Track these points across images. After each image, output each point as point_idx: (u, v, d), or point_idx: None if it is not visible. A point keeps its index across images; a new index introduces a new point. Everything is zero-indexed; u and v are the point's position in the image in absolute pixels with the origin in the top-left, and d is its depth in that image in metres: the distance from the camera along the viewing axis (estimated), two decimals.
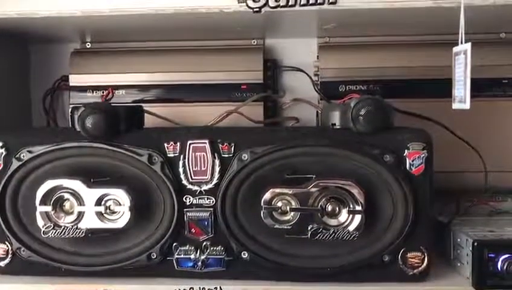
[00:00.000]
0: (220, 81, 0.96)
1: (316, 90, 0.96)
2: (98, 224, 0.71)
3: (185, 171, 0.72)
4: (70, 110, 0.77)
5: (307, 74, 0.98)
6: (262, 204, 0.70)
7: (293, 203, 0.70)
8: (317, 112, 0.97)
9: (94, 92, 0.97)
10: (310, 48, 0.99)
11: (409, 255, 0.71)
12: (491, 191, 0.92)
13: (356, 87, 0.94)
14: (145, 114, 0.84)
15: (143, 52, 0.99)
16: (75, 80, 0.98)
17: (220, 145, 0.72)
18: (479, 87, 0.91)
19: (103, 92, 0.97)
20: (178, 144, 0.72)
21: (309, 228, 0.69)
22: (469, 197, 0.93)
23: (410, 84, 0.94)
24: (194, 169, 0.72)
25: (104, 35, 0.98)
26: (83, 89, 0.97)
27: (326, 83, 0.94)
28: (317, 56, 0.97)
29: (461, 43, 0.68)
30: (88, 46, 1.02)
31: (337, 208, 0.70)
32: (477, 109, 0.86)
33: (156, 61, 0.98)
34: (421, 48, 0.94)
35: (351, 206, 0.69)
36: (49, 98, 1.03)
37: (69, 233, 0.71)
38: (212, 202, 0.72)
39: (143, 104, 0.88)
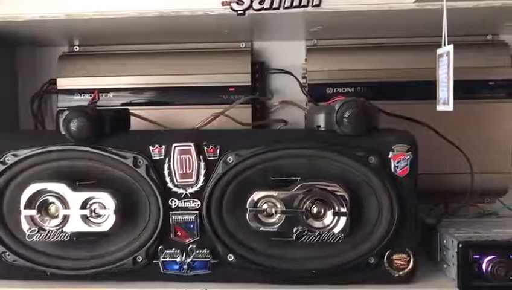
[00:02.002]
0: (208, 83, 0.96)
1: (303, 92, 0.96)
2: (83, 227, 0.71)
3: (170, 174, 0.72)
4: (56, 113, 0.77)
5: (294, 76, 0.98)
6: (247, 207, 0.70)
7: (279, 205, 0.70)
8: (305, 114, 0.97)
9: (82, 95, 0.97)
10: (298, 50, 0.99)
11: (394, 257, 0.71)
12: (479, 192, 0.92)
13: (344, 90, 0.94)
14: (132, 117, 0.84)
15: (131, 55, 0.99)
16: (62, 83, 0.97)
17: (205, 148, 0.72)
18: (465, 89, 0.91)
19: (91, 95, 0.96)
20: (163, 146, 0.72)
21: (294, 230, 0.69)
22: (457, 198, 0.93)
23: (398, 86, 0.94)
24: (179, 172, 0.72)
25: (92, 39, 0.98)
26: (70, 92, 0.97)
27: (314, 85, 0.95)
28: (305, 59, 0.97)
29: (444, 45, 0.69)
30: (76, 50, 1.01)
31: (322, 210, 0.70)
32: (464, 111, 0.88)
33: (144, 64, 0.98)
34: (408, 50, 0.95)
35: (336, 208, 0.69)
36: (37, 102, 1.02)
37: (54, 237, 0.71)
38: (198, 204, 0.72)
39: (131, 107, 0.88)
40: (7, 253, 0.74)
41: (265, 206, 0.70)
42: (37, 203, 0.71)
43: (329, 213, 0.70)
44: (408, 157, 0.70)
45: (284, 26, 0.87)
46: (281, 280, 0.72)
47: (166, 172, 0.72)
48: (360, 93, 0.93)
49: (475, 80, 0.92)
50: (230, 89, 0.95)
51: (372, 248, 0.71)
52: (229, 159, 0.71)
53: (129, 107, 0.87)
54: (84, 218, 0.71)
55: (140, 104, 0.96)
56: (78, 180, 0.72)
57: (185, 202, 0.72)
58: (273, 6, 0.72)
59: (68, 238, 0.71)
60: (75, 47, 1.01)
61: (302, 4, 0.72)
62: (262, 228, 0.70)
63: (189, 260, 0.73)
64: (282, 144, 0.71)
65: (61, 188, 0.71)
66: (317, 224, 0.70)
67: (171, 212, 0.72)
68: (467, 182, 0.86)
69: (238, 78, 0.95)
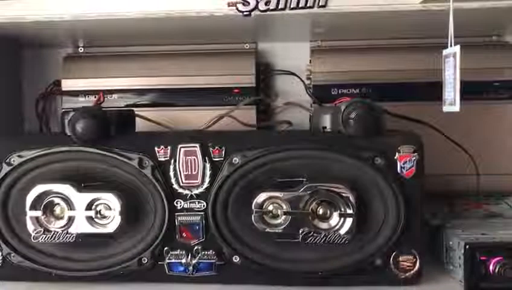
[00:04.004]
0: (212, 85, 0.96)
1: (308, 93, 0.96)
2: (88, 229, 0.71)
3: (175, 175, 0.72)
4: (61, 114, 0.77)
5: (299, 77, 0.98)
6: (253, 208, 0.70)
7: (284, 206, 0.70)
8: (310, 115, 0.96)
9: (87, 96, 0.97)
10: (303, 51, 0.99)
11: (400, 258, 0.71)
12: (485, 193, 0.92)
13: (348, 91, 0.94)
14: (137, 118, 0.84)
15: (135, 57, 0.99)
16: (67, 84, 0.98)
17: (211, 149, 0.71)
18: (470, 90, 0.91)
19: (95, 97, 0.96)
20: (169, 148, 0.72)
21: (300, 232, 0.69)
22: (463, 200, 0.93)
23: (403, 87, 0.94)
24: (184, 173, 0.72)
25: (97, 40, 0.98)
26: (75, 93, 0.97)
27: (318, 86, 0.95)
28: (310, 60, 0.97)
29: (450, 45, 0.68)
30: (81, 51, 1.02)
31: (328, 212, 0.70)
32: (469, 112, 0.88)
33: (149, 65, 0.98)
34: (413, 51, 0.95)
35: (342, 209, 0.69)
36: (42, 103, 1.02)
37: (59, 238, 0.71)
38: (203, 206, 0.72)
39: (136, 108, 0.88)
40: (12, 254, 0.73)
41: (270, 208, 0.70)
42: (43, 205, 0.71)
43: (335, 214, 0.69)
44: (414, 158, 0.70)
45: (289, 27, 0.87)
46: (286, 281, 0.72)
47: (171, 173, 0.72)
48: (365, 94, 0.93)
49: (480, 81, 0.92)
50: (234, 90, 0.95)
51: (378, 249, 0.71)
52: (235, 160, 0.71)
53: (134, 108, 0.87)
54: (90, 219, 0.71)
55: (145, 105, 0.96)
56: (83, 181, 0.72)
57: (190, 203, 0.72)
58: (279, 7, 0.72)
59: (73, 239, 0.71)
60: (80, 48, 1.02)
61: (308, 5, 0.72)
62: (267, 229, 0.70)
63: (194, 261, 0.72)
64: (288, 145, 0.71)
65: (66, 189, 0.71)
66: (323, 225, 0.70)
67: (176, 214, 0.72)
68: (473, 183, 0.86)
69: (242, 79, 0.95)
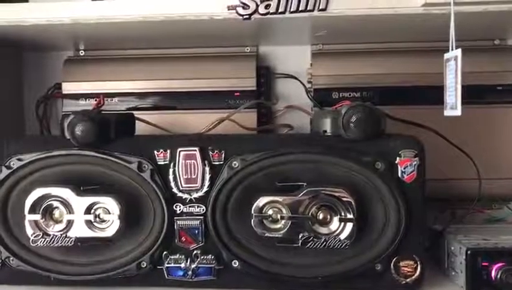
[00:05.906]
0: (213, 88, 0.95)
1: (309, 97, 0.95)
2: (87, 233, 0.71)
3: (175, 179, 0.71)
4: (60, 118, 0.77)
5: (300, 81, 0.97)
6: (253, 212, 0.69)
7: (284, 211, 0.69)
8: (311, 119, 0.96)
9: (87, 99, 0.97)
10: (304, 55, 0.98)
11: (401, 263, 0.70)
12: (487, 198, 0.91)
13: (349, 94, 0.93)
14: (137, 122, 0.84)
15: (136, 60, 0.99)
16: (68, 87, 0.97)
17: (211, 153, 0.71)
18: (473, 94, 0.90)
19: (96, 100, 0.96)
20: (168, 151, 0.72)
21: (300, 237, 0.69)
22: (465, 205, 0.92)
23: (404, 91, 0.93)
24: (184, 177, 0.71)
25: (97, 43, 0.98)
26: (76, 96, 0.97)
27: (319, 90, 0.94)
28: (311, 63, 0.97)
29: (452, 49, 0.68)
30: (81, 54, 1.02)
31: (329, 216, 0.69)
32: (471, 116, 0.87)
33: (150, 69, 0.98)
34: (415, 55, 0.94)
35: (342, 214, 0.69)
36: (43, 106, 1.02)
37: (58, 242, 0.71)
38: (203, 210, 0.72)
39: (136, 112, 0.88)
40: (11, 258, 0.73)
41: (270, 212, 0.70)
42: (42, 208, 0.71)
43: (336, 219, 0.69)
44: (415, 162, 0.69)
45: (289, 31, 0.87)
46: (286, 286, 0.72)
47: (171, 177, 0.71)
48: (366, 98, 0.93)
49: (483, 85, 0.91)
50: (235, 94, 0.95)
51: (379, 255, 0.70)
52: (234, 164, 0.70)
53: (134, 112, 0.87)
54: (89, 223, 0.71)
55: (145, 108, 0.96)
56: (82, 185, 0.72)
57: (189, 207, 0.72)
58: (279, 11, 0.72)
59: (72, 243, 0.71)
60: (81, 51, 1.02)
61: (308, 8, 0.72)
62: (267, 234, 0.69)
63: (193, 265, 0.72)
64: (288, 149, 0.70)
65: (65, 192, 0.71)
66: (323, 230, 0.69)
67: (175, 218, 0.72)
68: (475, 187, 0.85)
69: (243, 82, 0.95)
